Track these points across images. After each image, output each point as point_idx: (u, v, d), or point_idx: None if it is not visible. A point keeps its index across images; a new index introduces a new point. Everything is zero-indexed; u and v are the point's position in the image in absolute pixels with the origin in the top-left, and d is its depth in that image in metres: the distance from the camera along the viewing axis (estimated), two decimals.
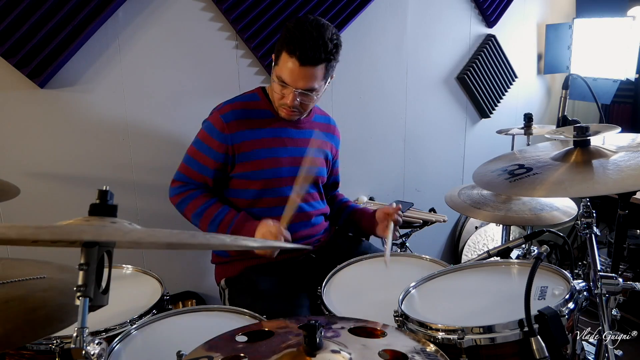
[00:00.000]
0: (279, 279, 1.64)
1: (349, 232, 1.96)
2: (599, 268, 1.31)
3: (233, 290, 1.68)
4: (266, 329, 1.03)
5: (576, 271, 1.77)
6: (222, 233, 1.59)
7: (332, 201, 1.97)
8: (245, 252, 1.71)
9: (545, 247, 1.20)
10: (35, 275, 1.15)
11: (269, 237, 1.52)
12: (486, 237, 2.97)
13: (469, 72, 2.78)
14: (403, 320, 1.19)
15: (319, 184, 1.80)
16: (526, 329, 1.06)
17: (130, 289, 1.52)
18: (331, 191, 1.98)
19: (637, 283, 1.27)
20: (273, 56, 1.61)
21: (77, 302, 0.83)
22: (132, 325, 1.28)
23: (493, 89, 2.91)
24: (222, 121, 1.62)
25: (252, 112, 1.67)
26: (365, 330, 1.02)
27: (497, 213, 1.84)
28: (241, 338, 1.02)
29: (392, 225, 1.69)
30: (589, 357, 1.62)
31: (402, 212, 1.75)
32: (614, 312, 1.31)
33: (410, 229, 2.29)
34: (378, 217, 1.75)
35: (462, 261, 2.84)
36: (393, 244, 2.29)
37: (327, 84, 1.65)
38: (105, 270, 0.87)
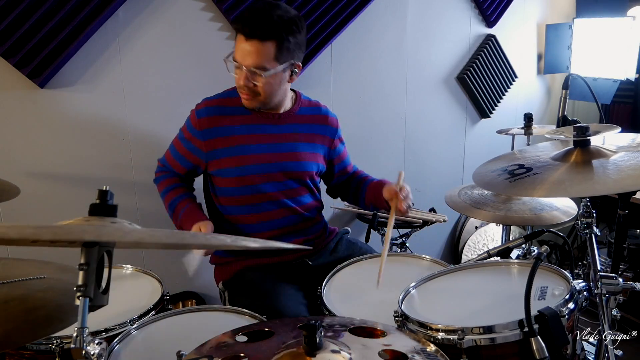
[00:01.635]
0: (276, 280, 1.63)
1: (371, 210, 1.98)
2: (599, 268, 1.31)
3: (232, 291, 1.68)
4: (266, 329, 1.03)
5: (576, 271, 1.78)
6: (175, 218, 1.68)
7: (349, 180, 1.88)
8: (243, 252, 1.71)
9: (545, 247, 1.20)
10: (35, 275, 1.15)
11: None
12: (486, 237, 2.98)
13: (469, 72, 2.78)
14: (403, 320, 1.19)
15: (306, 180, 1.73)
16: (526, 329, 1.06)
17: (130, 289, 1.52)
18: (344, 176, 1.88)
19: (637, 283, 1.27)
20: None
21: (77, 302, 0.83)
22: (132, 325, 1.28)
23: (493, 89, 2.91)
24: (195, 117, 1.63)
25: (228, 108, 1.65)
26: (365, 330, 1.02)
27: (497, 213, 1.84)
28: (241, 338, 1.02)
29: (392, 221, 1.56)
30: (589, 357, 1.62)
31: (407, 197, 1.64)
32: (614, 312, 1.31)
33: (410, 229, 2.29)
34: (386, 197, 1.63)
35: (462, 261, 2.84)
36: (393, 244, 2.29)
37: (287, 70, 1.56)
38: (105, 270, 0.87)
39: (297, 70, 1.60)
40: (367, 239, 2.33)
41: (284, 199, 1.68)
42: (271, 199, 1.67)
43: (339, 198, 1.97)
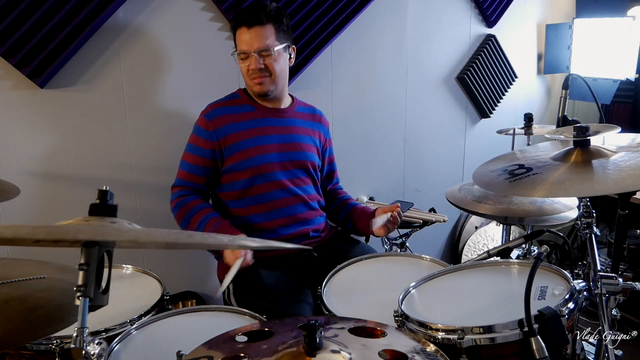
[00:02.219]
0: (282, 275, 1.66)
1: (348, 231, 1.96)
2: (599, 268, 1.31)
3: (237, 285, 1.69)
4: (266, 329, 1.03)
5: (576, 271, 1.78)
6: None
7: (333, 198, 1.98)
8: None
9: (545, 247, 1.20)
10: (35, 276, 1.15)
11: (230, 261, 1.55)
12: (486, 237, 2.97)
13: (469, 72, 2.78)
14: (403, 320, 1.19)
15: (309, 169, 1.82)
16: (526, 329, 1.06)
17: (130, 289, 1.52)
18: (329, 183, 1.99)
19: (637, 283, 1.27)
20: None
21: (77, 302, 0.83)
22: (132, 325, 1.28)
23: (493, 89, 2.91)
24: (205, 120, 1.73)
25: (234, 107, 1.77)
26: (365, 330, 1.02)
27: (499, 206, 1.85)
28: (241, 338, 1.02)
29: (384, 217, 1.68)
30: (589, 357, 1.62)
31: (402, 212, 1.74)
32: (614, 312, 1.31)
33: (410, 229, 2.29)
34: (377, 214, 1.75)
35: (462, 261, 2.83)
36: (392, 244, 2.29)
37: (287, 51, 1.76)
38: (105, 270, 0.87)
39: (293, 53, 1.80)
40: (367, 239, 2.33)
41: (292, 187, 1.77)
42: (281, 187, 1.75)
43: None
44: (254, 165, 1.72)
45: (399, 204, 1.73)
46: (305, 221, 1.79)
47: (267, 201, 1.74)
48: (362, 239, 2.24)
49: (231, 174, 1.73)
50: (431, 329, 1.12)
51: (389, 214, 1.68)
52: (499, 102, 2.96)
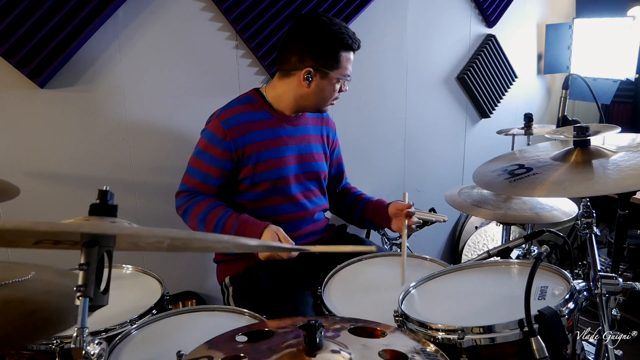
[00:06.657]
0: (283, 277, 1.65)
1: (364, 227, 1.96)
2: (599, 268, 1.31)
3: (237, 288, 1.68)
4: (266, 329, 1.03)
5: (576, 271, 1.78)
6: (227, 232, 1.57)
7: (345, 194, 1.95)
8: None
9: (545, 247, 1.20)
10: (28, 275, 1.14)
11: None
12: (486, 237, 2.97)
13: (469, 72, 2.78)
14: (403, 320, 1.19)
15: (320, 180, 1.81)
16: (526, 329, 1.06)
17: (130, 289, 1.52)
18: (338, 183, 1.96)
19: (637, 283, 1.27)
20: (309, 69, 1.62)
21: (77, 302, 0.83)
22: (132, 325, 1.28)
23: (493, 89, 2.91)
24: (223, 128, 1.61)
25: (251, 115, 1.67)
26: (365, 330, 1.02)
27: (498, 212, 1.85)
28: (241, 338, 1.02)
29: (406, 223, 1.65)
30: (589, 357, 1.62)
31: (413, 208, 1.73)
32: (614, 312, 1.31)
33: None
34: (391, 213, 1.74)
35: (462, 261, 2.83)
36: (393, 244, 2.29)
37: None
38: (105, 270, 0.87)
39: None
40: (367, 235, 2.34)
41: (303, 201, 1.74)
42: (294, 201, 1.72)
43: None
44: (273, 179, 1.67)
45: (411, 203, 1.70)
46: (310, 234, 1.78)
47: (277, 214, 1.69)
48: (363, 237, 2.25)
49: (246, 185, 1.67)
50: (431, 329, 1.12)
51: (406, 223, 1.66)
52: (499, 102, 2.96)
